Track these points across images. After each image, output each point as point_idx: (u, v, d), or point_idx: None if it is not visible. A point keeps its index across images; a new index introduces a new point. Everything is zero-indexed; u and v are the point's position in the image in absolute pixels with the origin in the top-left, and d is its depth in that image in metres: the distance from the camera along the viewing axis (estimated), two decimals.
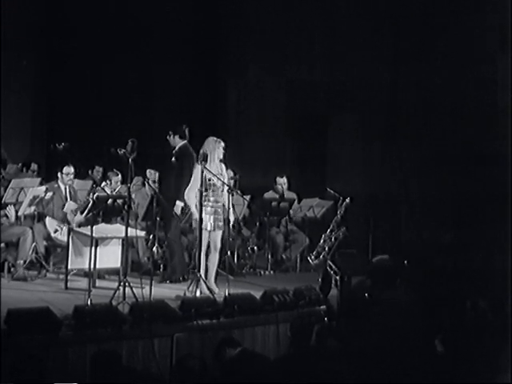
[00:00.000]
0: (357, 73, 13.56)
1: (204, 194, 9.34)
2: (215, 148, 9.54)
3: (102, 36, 14.44)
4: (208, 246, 9.55)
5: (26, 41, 14.21)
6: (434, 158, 13.10)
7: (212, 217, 9.47)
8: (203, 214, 9.28)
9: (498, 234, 10.88)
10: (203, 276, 9.43)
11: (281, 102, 14.68)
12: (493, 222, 11.61)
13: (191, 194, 9.51)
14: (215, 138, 9.64)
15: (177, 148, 10.27)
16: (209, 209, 9.44)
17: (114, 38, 14.54)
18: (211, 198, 9.47)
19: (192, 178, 9.51)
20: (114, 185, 11.00)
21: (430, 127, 13.17)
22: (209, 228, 9.44)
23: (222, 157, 9.59)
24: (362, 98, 13.68)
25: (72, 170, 10.57)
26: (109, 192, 10.34)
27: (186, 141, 10.31)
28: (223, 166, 9.71)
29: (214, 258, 9.61)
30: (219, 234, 9.62)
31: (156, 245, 10.13)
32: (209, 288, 9.32)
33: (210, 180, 9.43)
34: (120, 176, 11.08)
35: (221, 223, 9.57)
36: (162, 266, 10.43)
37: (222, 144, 9.61)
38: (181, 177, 10.05)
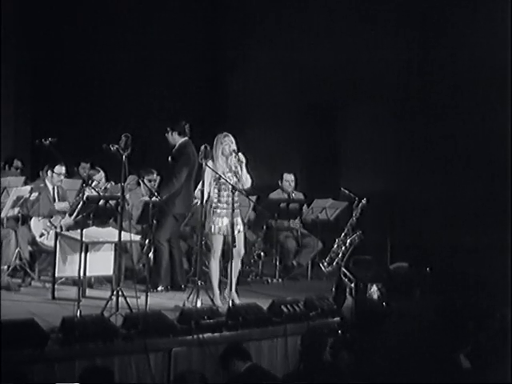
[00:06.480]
0: (371, 59, 13.47)
1: (216, 194, 9.33)
2: (220, 143, 9.40)
3: (91, 26, 14.49)
4: (223, 252, 9.52)
5: (10, 32, 14.19)
6: (456, 155, 13.04)
7: (226, 219, 9.33)
8: (216, 218, 9.30)
9: None
10: (215, 285, 9.46)
11: (289, 92, 14.57)
12: None
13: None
14: (221, 134, 9.50)
15: (177, 145, 10.29)
16: (224, 211, 9.33)
17: (104, 28, 14.57)
18: (222, 199, 9.36)
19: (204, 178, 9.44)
20: (101, 184, 10.93)
21: (451, 123, 13.08)
22: (224, 232, 9.35)
23: (229, 151, 9.38)
24: (379, 86, 13.57)
25: (64, 169, 10.62)
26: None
27: (186, 138, 10.32)
28: (235, 161, 9.48)
29: (237, 264, 9.49)
30: (241, 237, 9.51)
31: (152, 250, 10.08)
32: (211, 298, 9.31)
33: (219, 179, 9.32)
34: (102, 172, 11.06)
35: (239, 226, 9.45)
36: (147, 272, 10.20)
37: (229, 138, 9.43)
38: (179, 176, 10.09)
